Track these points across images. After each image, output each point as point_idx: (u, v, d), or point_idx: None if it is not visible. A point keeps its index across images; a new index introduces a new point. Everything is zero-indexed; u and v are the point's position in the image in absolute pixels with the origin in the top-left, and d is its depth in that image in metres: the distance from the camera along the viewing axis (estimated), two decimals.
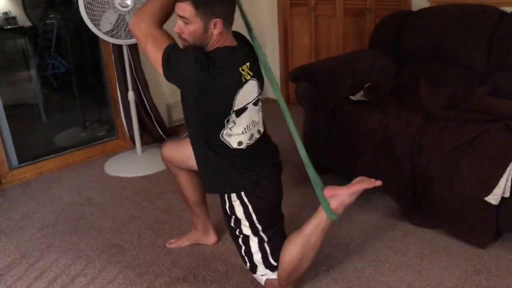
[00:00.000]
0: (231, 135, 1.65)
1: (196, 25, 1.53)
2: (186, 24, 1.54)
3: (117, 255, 2.15)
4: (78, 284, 1.97)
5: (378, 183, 1.68)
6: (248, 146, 1.69)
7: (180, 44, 1.60)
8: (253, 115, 1.69)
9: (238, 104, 1.61)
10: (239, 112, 1.64)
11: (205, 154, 1.71)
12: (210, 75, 1.52)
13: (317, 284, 1.90)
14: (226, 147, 1.67)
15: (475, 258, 2.01)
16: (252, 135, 1.70)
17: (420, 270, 1.96)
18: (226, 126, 1.63)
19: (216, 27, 1.54)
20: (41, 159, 3.15)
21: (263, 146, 1.77)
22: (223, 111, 1.61)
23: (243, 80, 1.62)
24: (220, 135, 1.64)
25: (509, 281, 1.86)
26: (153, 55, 1.54)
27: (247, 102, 1.65)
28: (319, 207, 1.72)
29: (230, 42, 1.63)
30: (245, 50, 1.67)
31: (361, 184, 1.70)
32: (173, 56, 1.52)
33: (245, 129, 1.67)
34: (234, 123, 1.64)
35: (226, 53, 1.60)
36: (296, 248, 1.72)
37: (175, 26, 1.58)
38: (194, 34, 1.55)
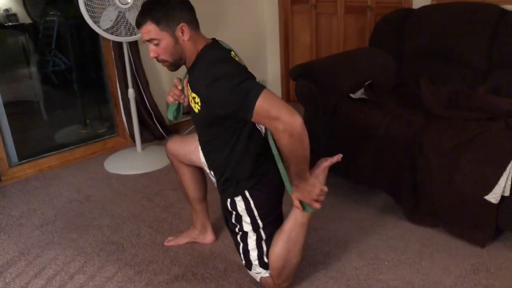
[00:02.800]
0: None
1: (166, 40, 1.55)
2: (157, 44, 1.56)
3: (116, 253, 2.15)
4: (77, 282, 1.97)
5: (337, 158, 1.71)
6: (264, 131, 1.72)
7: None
8: None
9: None
10: None
11: (231, 160, 1.69)
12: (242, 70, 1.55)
13: (316, 283, 1.90)
14: (258, 138, 1.68)
15: (474, 257, 2.00)
16: None
17: (419, 268, 1.96)
18: None
19: (184, 33, 1.56)
20: (41, 156, 3.15)
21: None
22: None
23: (242, 64, 1.64)
24: (256, 123, 1.64)
25: (508, 280, 1.85)
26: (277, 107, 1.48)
27: None
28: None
29: (206, 40, 1.64)
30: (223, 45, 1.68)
31: (322, 165, 1.72)
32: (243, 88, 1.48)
33: None
34: None
35: (211, 49, 1.61)
36: (279, 245, 1.72)
37: (150, 53, 1.59)
38: (168, 49, 1.57)
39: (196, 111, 1.64)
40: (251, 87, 1.46)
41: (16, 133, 3.08)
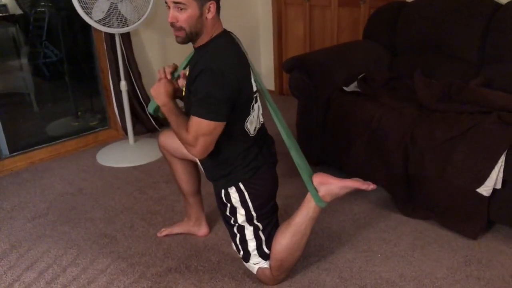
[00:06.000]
0: (252, 122, 1.69)
1: (192, 10, 1.54)
2: (181, 10, 1.54)
3: (108, 245, 2.14)
4: (70, 274, 1.96)
5: (372, 186, 1.70)
6: (256, 132, 1.73)
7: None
8: (259, 100, 1.76)
9: (253, 85, 1.66)
10: (256, 97, 1.69)
11: (218, 154, 1.69)
12: (236, 77, 1.55)
13: (309, 275, 1.91)
14: (245, 136, 1.68)
15: (466, 249, 2.02)
16: (258, 118, 1.75)
17: (411, 260, 1.97)
18: (250, 113, 1.66)
19: (210, 11, 1.56)
20: (32, 149, 3.13)
21: (263, 133, 1.81)
22: (249, 97, 1.64)
23: (248, 63, 1.66)
24: (245, 124, 1.66)
25: (499, 272, 1.87)
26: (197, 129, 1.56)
27: (255, 87, 1.69)
28: (307, 195, 1.73)
29: (222, 28, 1.66)
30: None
31: (355, 182, 1.71)
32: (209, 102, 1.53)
33: (258, 114, 1.73)
34: (254, 110, 1.69)
35: (225, 41, 1.63)
36: (286, 237, 1.73)
37: (169, 17, 1.56)
38: (190, 19, 1.55)
39: (183, 94, 1.70)
40: (213, 108, 1.52)
41: (7, 126, 3.05)
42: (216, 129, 1.56)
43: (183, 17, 1.54)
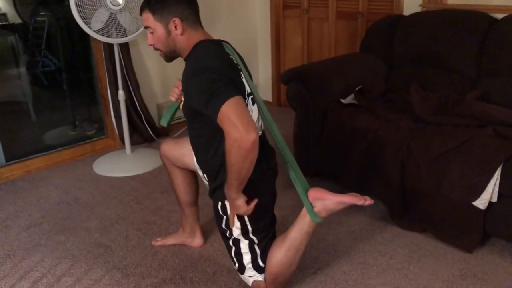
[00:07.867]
0: None
1: (159, 30, 1.62)
2: (152, 33, 1.63)
3: (103, 255, 2.13)
4: (64, 284, 1.94)
5: (369, 201, 1.69)
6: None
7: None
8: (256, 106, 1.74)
9: (246, 86, 1.66)
10: (252, 99, 1.68)
11: (216, 161, 1.67)
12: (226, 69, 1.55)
13: (305, 287, 1.90)
14: None
15: (462, 262, 2.02)
16: (257, 122, 1.73)
17: (407, 273, 1.96)
18: None
19: (177, 27, 1.60)
20: (29, 158, 3.12)
21: (264, 143, 1.78)
22: (242, 93, 1.59)
23: (236, 65, 1.65)
24: None
25: (495, 285, 1.87)
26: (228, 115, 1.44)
27: (249, 90, 1.69)
28: (302, 209, 1.72)
29: (206, 37, 1.67)
30: (224, 46, 1.69)
31: (351, 198, 1.69)
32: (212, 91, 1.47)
33: (256, 117, 1.71)
34: (252, 112, 1.67)
35: (207, 44, 1.63)
36: (281, 252, 1.72)
37: (147, 40, 1.67)
38: (161, 40, 1.63)
39: (182, 102, 1.69)
40: (222, 90, 1.45)
41: (4, 134, 3.04)
42: (239, 104, 1.44)
43: (155, 39, 1.64)
